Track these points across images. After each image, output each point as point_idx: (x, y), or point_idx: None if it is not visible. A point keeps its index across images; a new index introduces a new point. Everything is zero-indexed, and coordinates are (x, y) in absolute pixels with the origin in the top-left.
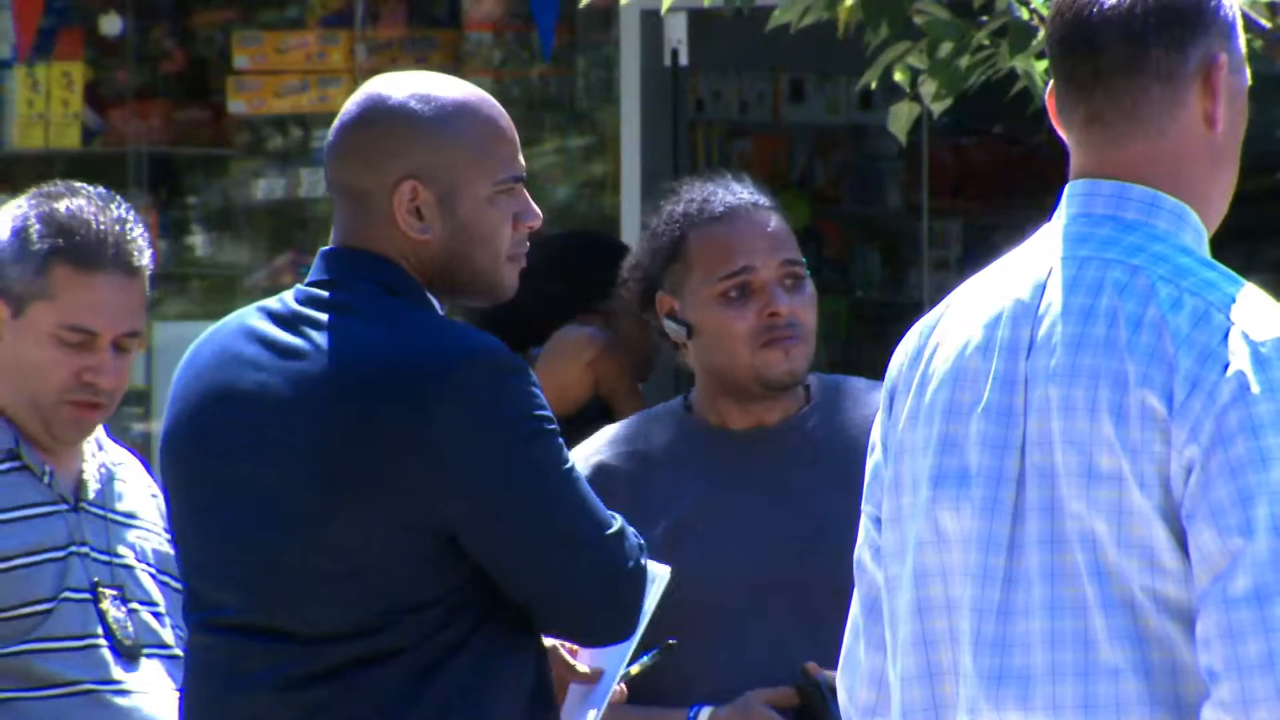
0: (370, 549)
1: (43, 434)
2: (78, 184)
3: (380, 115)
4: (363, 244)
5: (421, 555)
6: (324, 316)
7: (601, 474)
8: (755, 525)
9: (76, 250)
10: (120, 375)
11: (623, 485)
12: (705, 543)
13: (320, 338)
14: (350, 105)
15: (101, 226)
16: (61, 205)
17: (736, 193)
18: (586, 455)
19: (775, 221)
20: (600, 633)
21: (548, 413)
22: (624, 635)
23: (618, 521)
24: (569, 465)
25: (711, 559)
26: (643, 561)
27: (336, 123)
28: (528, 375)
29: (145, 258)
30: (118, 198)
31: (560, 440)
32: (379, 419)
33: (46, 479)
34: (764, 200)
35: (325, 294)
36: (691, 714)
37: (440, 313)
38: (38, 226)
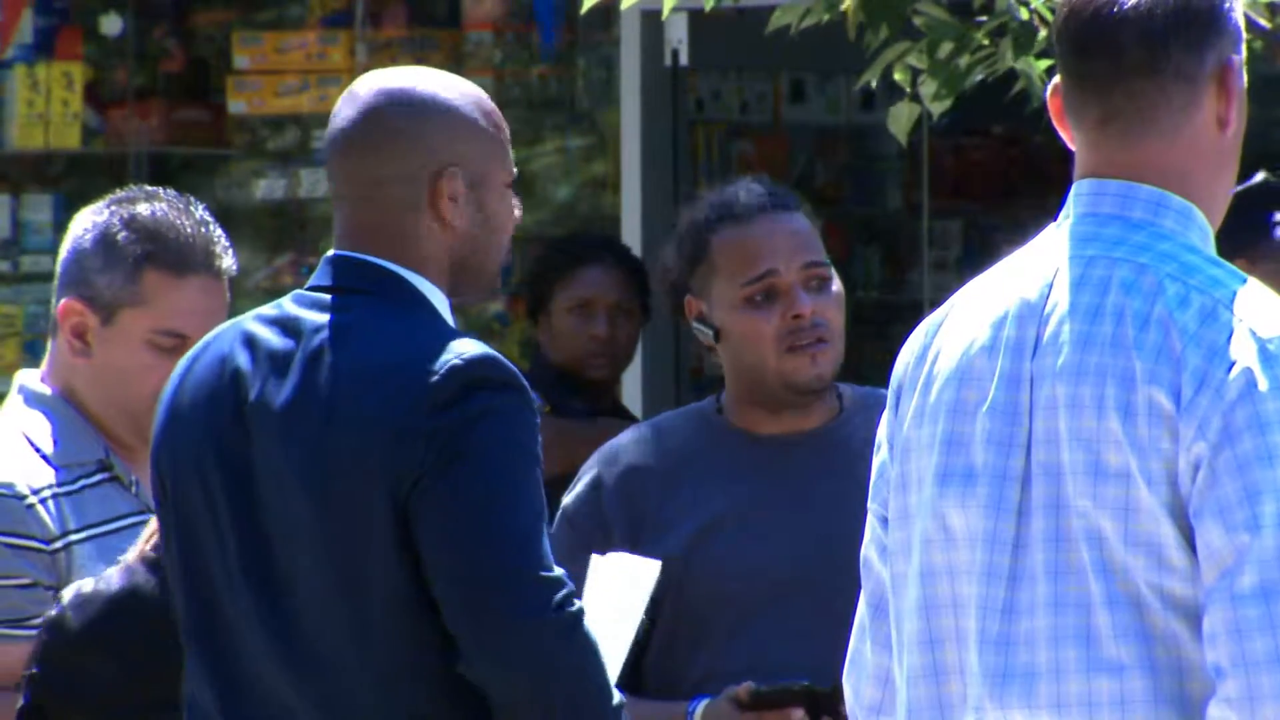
0: (362, 554)
1: (136, 440)
2: (151, 188)
3: (412, 103)
4: (376, 245)
5: (411, 563)
6: (326, 321)
7: (632, 473)
8: (781, 526)
9: (167, 255)
10: None
11: (654, 484)
12: (731, 542)
13: (325, 345)
14: (367, 97)
15: (188, 229)
16: (143, 209)
17: (759, 195)
18: (616, 454)
19: (798, 222)
20: (484, 656)
21: (536, 446)
22: (509, 664)
23: (562, 578)
24: (537, 504)
25: (737, 557)
26: (573, 627)
27: (353, 115)
28: (529, 397)
29: (229, 260)
30: (193, 200)
31: (538, 477)
32: (377, 412)
33: (134, 489)
34: (787, 201)
35: (330, 299)
36: (691, 707)
37: (450, 322)
38: (124, 232)
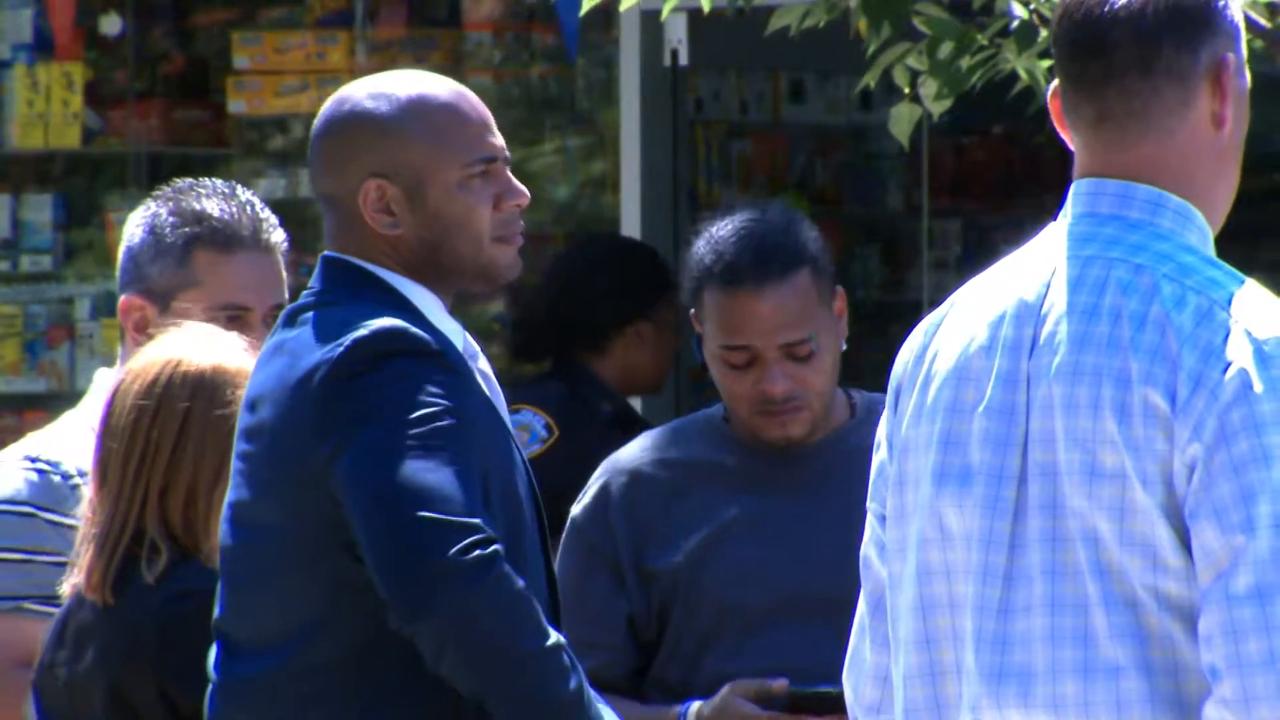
0: (301, 540)
1: None
2: (200, 180)
3: (339, 121)
4: (344, 248)
5: (347, 541)
6: (300, 314)
7: (639, 482)
8: (791, 534)
9: (214, 234)
10: None
11: (662, 492)
12: (742, 551)
13: (288, 337)
14: (318, 117)
15: (232, 209)
16: (188, 197)
17: (753, 254)
18: (623, 462)
19: (787, 291)
20: (397, 607)
21: (454, 402)
22: (418, 614)
23: (476, 525)
24: (448, 458)
25: (748, 566)
26: (479, 572)
27: (312, 134)
28: (446, 361)
29: (278, 235)
30: (238, 185)
31: (457, 432)
32: (294, 391)
33: None
34: (782, 258)
35: (311, 295)
36: (682, 710)
37: (436, 317)
38: (171, 220)
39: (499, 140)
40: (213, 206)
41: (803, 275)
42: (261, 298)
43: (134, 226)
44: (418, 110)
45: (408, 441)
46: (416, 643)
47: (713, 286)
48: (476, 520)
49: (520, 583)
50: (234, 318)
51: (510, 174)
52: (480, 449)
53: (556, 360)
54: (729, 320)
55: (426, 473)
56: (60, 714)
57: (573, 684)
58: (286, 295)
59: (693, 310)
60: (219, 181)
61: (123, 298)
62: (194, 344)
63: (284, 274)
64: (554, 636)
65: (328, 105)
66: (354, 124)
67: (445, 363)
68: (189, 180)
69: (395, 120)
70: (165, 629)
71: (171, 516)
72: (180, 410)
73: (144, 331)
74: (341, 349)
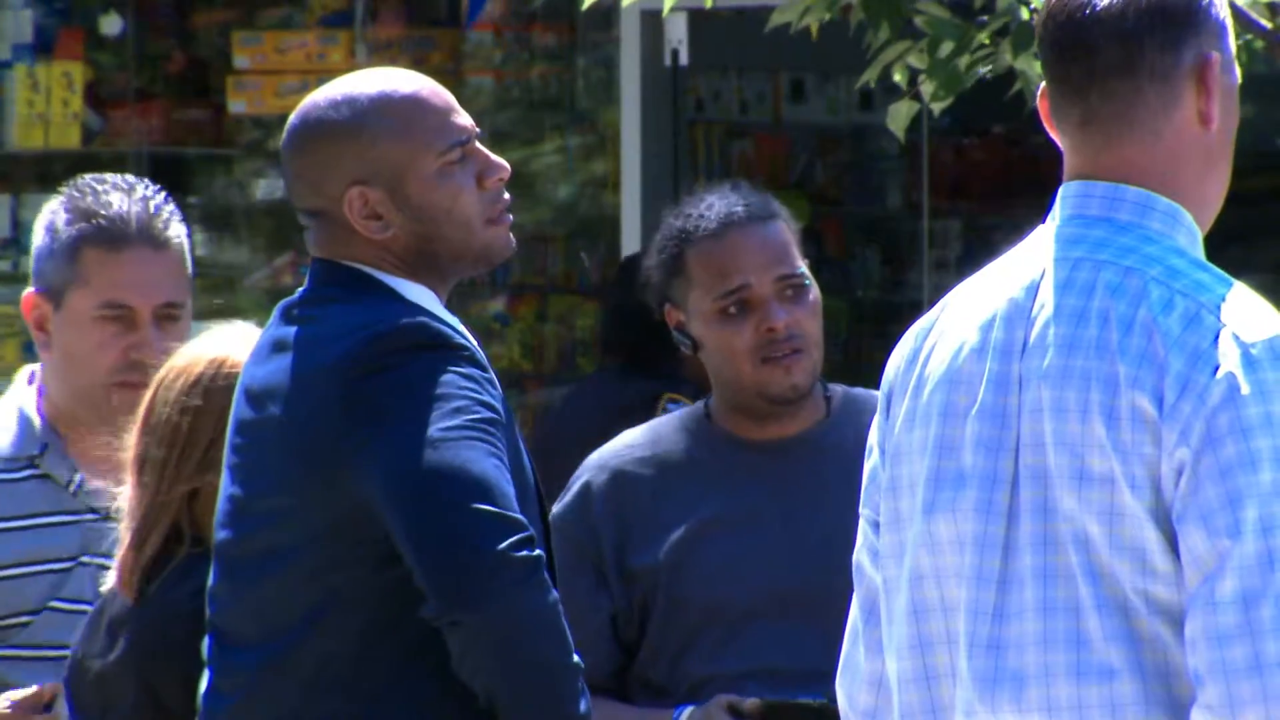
0: (315, 541)
1: (99, 424)
2: (107, 175)
3: (307, 136)
4: (337, 256)
5: (369, 535)
6: (299, 314)
7: (621, 480)
8: (773, 533)
9: (101, 231)
10: (167, 349)
11: (644, 490)
12: (723, 548)
13: (291, 334)
14: (283, 135)
15: (124, 206)
16: (87, 194)
17: (733, 204)
18: (606, 460)
19: (773, 232)
20: (440, 595)
21: (481, 396)
22: (465, 604)
23: (520, 522)
24: (481, 452)
25: (729, 564)
26: (529, 571)
27: (281, 157)
28: (468, 355)
29: (173, 231)
30: (146, 181)
31: (487, 426)
32: (307, 387)
33: (72, 488)
34: (761, 209)
35: (309, 294)
36: (676, 714)
37: (435, 312)
38: (65, 216)
39: (467, 120)
40: (108, 203)
41: (781, 224)
42: (148, 295)
43: (38, 224)
44: (381, 109)
45: (448, 433)
46: (448, 633)
47: (700, 242)
48: (522, 518)
49: (554, 593)
50: (118, 317)
51: (485, 149)
52: (505, 445)
53: (638, 355)
54: (723, 265)
55: (471, 464)
56: (92, 707)
57: (583, 707)
58: (184, 295)
59: (666, 305)
60: (124, 177)
61: (24, 294)
62: (237, 342)
63: (182, 271)
64: (577, 656)
65: (292, 121)
66: (323, 136)
67: (470, 357)
68: (94, 176)
69: (362, 124)
70: (194, 621)
71: (204, 514)
72: (220, 409)
73: (43, 329)
74: (364, 343)
